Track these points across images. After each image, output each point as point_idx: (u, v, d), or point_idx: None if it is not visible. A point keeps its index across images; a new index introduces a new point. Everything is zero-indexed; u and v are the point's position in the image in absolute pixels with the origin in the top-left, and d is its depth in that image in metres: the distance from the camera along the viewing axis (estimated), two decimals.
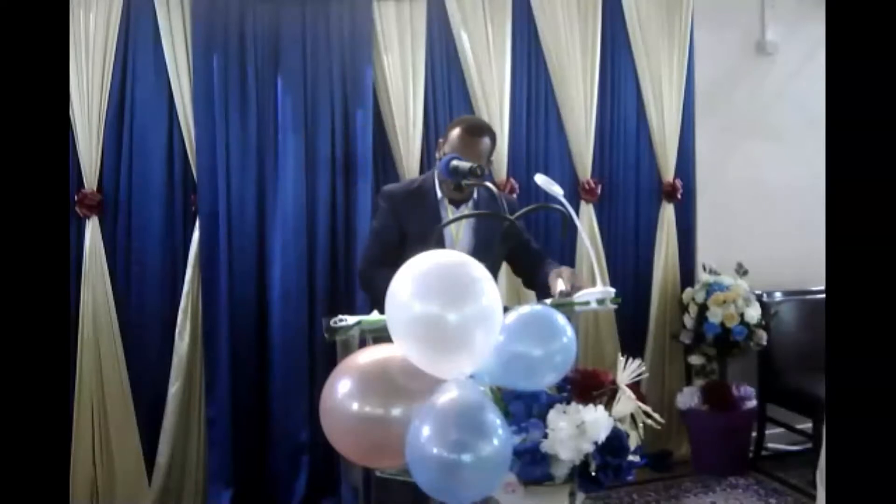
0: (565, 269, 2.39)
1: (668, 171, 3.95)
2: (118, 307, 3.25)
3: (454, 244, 2.66)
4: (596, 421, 1.67)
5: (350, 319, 1.89)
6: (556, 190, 2.20)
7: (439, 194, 2.67)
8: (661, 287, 3.98)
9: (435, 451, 1.48)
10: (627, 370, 1.83)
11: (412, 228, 2.63)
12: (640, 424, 1.84)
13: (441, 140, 2.73)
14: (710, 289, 3.83)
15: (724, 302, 3.76)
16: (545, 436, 1.66)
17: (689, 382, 4.03)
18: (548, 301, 2.19)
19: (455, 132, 2.64)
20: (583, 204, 3.80)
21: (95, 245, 3.20)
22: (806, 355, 3.85)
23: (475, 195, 2.70)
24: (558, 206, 2.18)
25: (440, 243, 2.58)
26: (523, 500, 1.69)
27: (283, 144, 3.39)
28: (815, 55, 4.11)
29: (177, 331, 3.33)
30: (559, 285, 2.29)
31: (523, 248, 2.78)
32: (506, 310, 1.69)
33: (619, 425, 1.74)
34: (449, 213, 2.67)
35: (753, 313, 3.78)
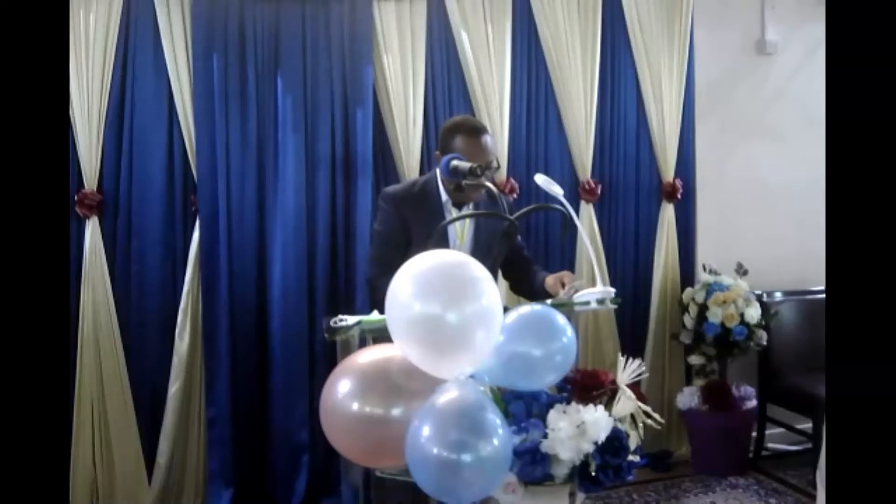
0: (566, 273, 2.46)
1: (668, 171, 3.95)
2: (118, 307, 3.24)
3: (458, 245, 2.65)
4: (596, 421, 1.67)
5: (350, 319, 1.89)
6: (556, 190, 2.20)
7: (444, 196, 2.65)
8: (661, 287, 3.97)
9: (435, 451, 1.49)
10: (627, 370, 1.83)
11: (418, 230, 2.60)
12: (640, 424, 1.84)
13: (438, 153, 2.65)
14: (710, 289, 3.82)
15: (724, 302, 3.76)
16: (545, 436, 1.67)
17: (689, 382, 4.02)
18: (548, 301, 2.20)
19: (458, 140, 2.58)
20: (583, 204, 3.79)
21: (95, 245, 3.19)
22: (806, 355, 3.85)
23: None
24: (558, 206, 2.18)
25: (444, 244, 2.56)
26: (523, 500, 1.69)
27: (283, 144, 3.39)
28: (815, 55, 4.11)
29: (177, 331, 3.32)
30: (564, 290, 2.36)
31: (517, 253, 2.80)
32: (506, 310, 1.69)
33: (619, 425, 1.74)
34: (452, 214, 2.65)
35: (753, 313, 3.77)
